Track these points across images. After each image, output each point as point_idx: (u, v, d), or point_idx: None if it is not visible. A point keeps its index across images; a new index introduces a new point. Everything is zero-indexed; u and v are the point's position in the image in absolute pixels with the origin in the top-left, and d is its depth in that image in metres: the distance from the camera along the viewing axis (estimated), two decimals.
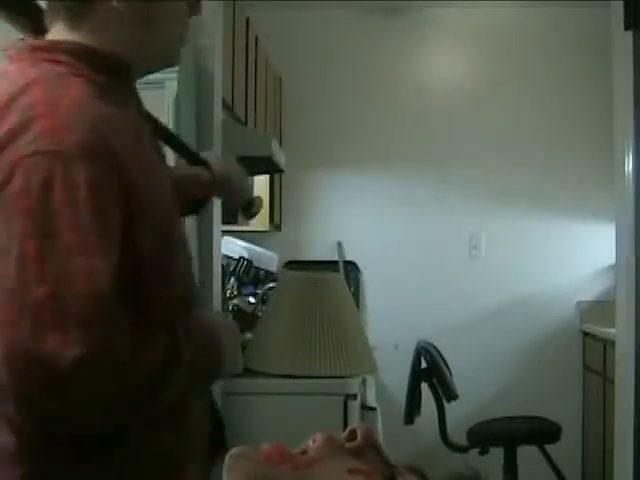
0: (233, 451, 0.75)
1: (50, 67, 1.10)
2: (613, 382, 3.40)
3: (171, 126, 2.34)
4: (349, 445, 0.78)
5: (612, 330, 3.48)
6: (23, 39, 1.19)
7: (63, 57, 1.12)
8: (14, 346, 0.95)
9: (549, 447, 3.77)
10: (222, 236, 2.91)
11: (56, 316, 0.96)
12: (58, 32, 1.17)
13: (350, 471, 0.74)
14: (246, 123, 3.85)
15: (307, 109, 4.81)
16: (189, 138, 2.53)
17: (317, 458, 0.75)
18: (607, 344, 4.01)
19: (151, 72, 1.31)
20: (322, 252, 4.73)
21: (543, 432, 3.77)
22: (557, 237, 4.73)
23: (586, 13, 4.58)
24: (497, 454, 3.72)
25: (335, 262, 4.66)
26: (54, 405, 0.97)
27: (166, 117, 2.34)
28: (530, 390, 4.61)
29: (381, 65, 4.78)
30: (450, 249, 4.76)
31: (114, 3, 1.15)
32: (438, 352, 3.72)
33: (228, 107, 3.41)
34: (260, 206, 1.81)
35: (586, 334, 4.63)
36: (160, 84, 2.35)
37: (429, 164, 4.76)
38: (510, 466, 3.71)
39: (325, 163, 4.85)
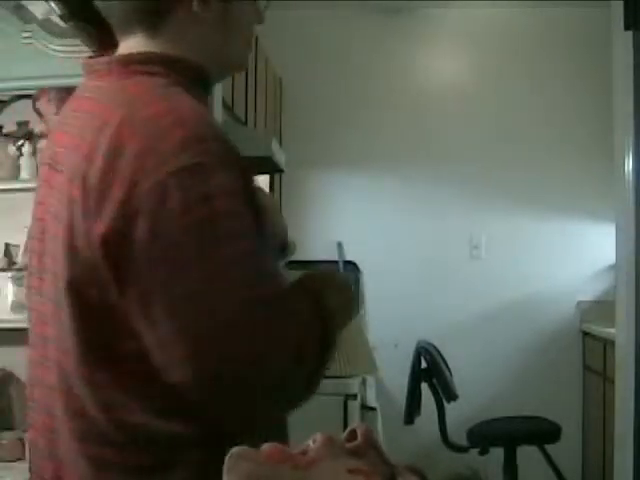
0: (233, 451, 0.75)
1: (146, 79, 1.08)
2: (613, 382, 3.41)
3: None
4: (349, 445, 0.78)
5: (612, 330, 3.48)
6: (99, 54, 1.19)
7: (157, 68, 1.09)
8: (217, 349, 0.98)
9: (549, 447, 3.77)
10: None
11: (260, 315, 0.99)
12: (135, 43, 1.13)
13: (350, 471, 0.74)
14: (246, 123, 3.85)
15: (307, 109, 4.81)
16: None
17: (317, 458, 0.75)
18: (607, 344, 4.01)
19: (223, 78, 1.30)
20: (322, 252, 4.73)
21: (543, 432, 3.77)
22: (557, 237, 4.73)
23: (586, 13, 4.58)
24: (497, 454, 3.72)
25: (335, 262, 4.66)
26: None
27: None
28: (530, 390, 4.61)
29: (381, 65, 4.78)
30: (450, 249, 4.76)
31: (194, 8, 1.12)
32: (438, 352, 3.73)
33: (228, 107, 3.41)
34: (293, 252, 1.68)
35: (586, 334, 4.63)
36: None
37: (429, 164, 4.76)
38: (510, 466, 3.71)
39: (325, 163, 4.85)
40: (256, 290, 1.00)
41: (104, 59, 1.13)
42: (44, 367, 1.10)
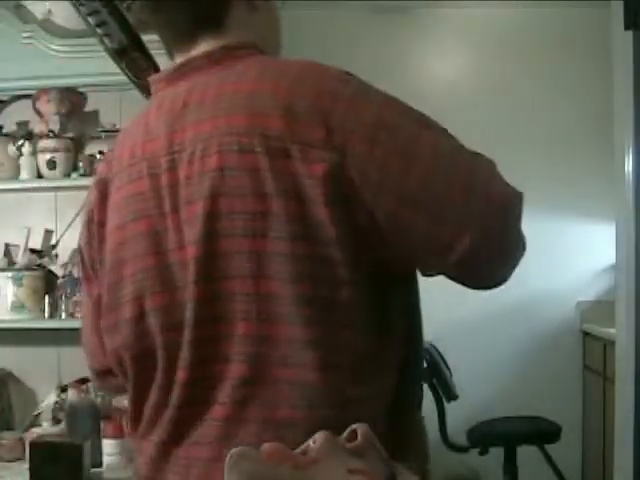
0: (234, 451, 0.75)
1: (254, 60, 1.19)
2: (613, 382, 3.40)
3: None
4: (349, 445, 0.78)
5: (612, 330, 3.48)
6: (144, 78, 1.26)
7: (253, 50, 1.21)
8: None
9: (549, 447, 3.77)
10: None
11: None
12: (207, 46, 1.22)
13: (350, 471, 0.74)
14: None
15: None
16: None
17: (317, 458, 0.75)
18: (607, 344, 4.01)
19: None
20: None
21: (543, 432, 3.77)
22: (557, 237, 4.72)
23: (586, 13, 4.58)
24: (497, 454, 3.72)
25: None
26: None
27: None
28: (530, 390, 4.61)
29: (381, 64, 4.78)
30: None
31: (256, 3, 1.25)
32: (438, 352, 3.72)
33: None
34: None
35: (586, 334, 4.62)
36: None
37: None
38: (510, 466, 3.71)
39: None
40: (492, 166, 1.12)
41: (200, 57, 1.21)
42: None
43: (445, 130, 1.16)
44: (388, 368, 1.14)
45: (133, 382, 1.20)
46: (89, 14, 1.69)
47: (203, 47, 1.21)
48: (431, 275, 1.15)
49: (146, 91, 1.36)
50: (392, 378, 1.14)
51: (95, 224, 1.26)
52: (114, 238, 1.20)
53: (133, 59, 1.49)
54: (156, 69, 1.27)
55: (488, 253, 1.09)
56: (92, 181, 1.33)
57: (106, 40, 1.70)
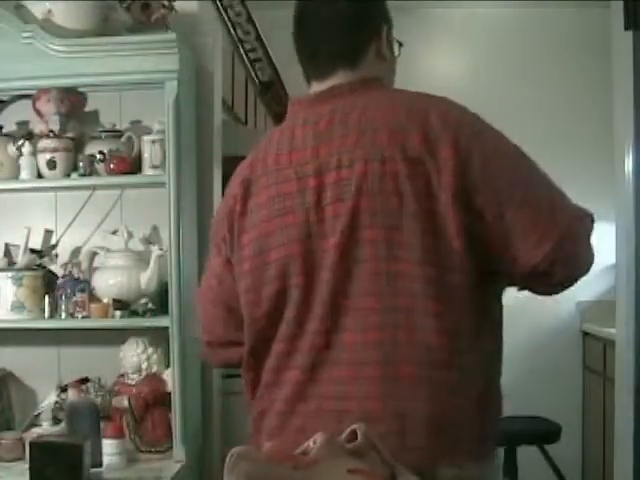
0: (234, 451, 0.75)
1: (386, 92, 1.53)
2: (613, 382, 3.40)
3: (171, 126, 2.34)
4: (349, 445, 0.79)
5: (612, 330, 3.48)
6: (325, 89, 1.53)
7: (381, 84, 1.53)
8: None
9: (549, 447, 3.77)
10: None
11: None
12: (340, 77, 1.51)
13: (350, 471, 0.74)
14: (246, 123, 3.85)
15: None
16: (189, 138, 2.54)
17: (318, 458, 0.75)
18: (607, 344, 4.01)
19: None
20: None
21: (543, 432, 3.77)
22: None
23: (586, 13, 4.58)
24: (497, 454, 3.71)
25: None
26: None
27: (166, 117, 2.34)
28: (530, 390, 4.61)
29: None
30: None
31: (382, 49, 1.55)
32: None
33: (228, 107, 3.41)
34: None
35: (586, 334, 4.62)
36: (160, 84, 2.35)
37: None
38: (510, 466, 3.71)
39: None
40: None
41: (340, 86, 1.51)
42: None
43: (533, 161, 1.45)
44: (488, 348, 1.47)
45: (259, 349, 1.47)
46: (249, 50, 2.04)
47: (340, 78, 1.50)
48: (519, 282, 1.50)
49: (277, 117, 1.58)
50: (490, 358, 1.50)
51: (237, 214, 1.49)
52: (260, 229, 1.45)
53: (277, 90, 1.71)
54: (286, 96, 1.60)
55: (565, 256, 1.36)
56: (233, 179, 1.56)
57: (259, 73, 2.00)
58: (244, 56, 1.99)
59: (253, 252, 1.45)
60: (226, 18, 2.09)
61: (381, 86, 1.52)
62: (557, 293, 1.47)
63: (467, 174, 1.33)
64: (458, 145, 1.34)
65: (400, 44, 1.67)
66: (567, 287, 1.45)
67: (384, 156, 1.36)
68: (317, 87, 1.54)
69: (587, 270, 1.42)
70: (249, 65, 1.96)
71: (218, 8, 2.10)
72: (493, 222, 1.34)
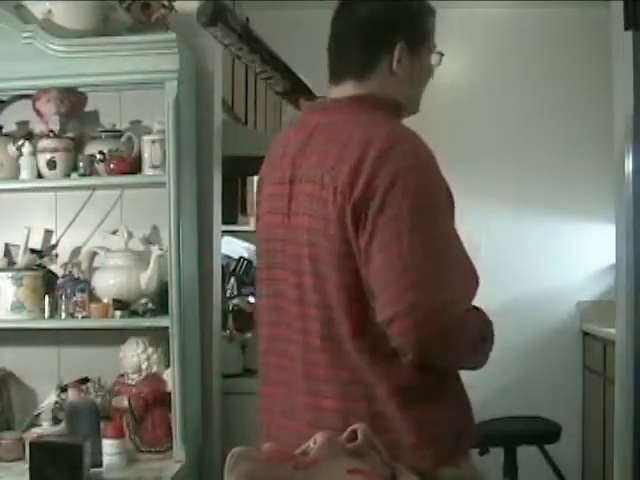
0: (234, 451, 0.75)
1: (370, 113, 1.54)
2: (613, 382, 3.40)
3: (171, 126, 2.34)
4: (349, 446, 0.79)
5: (612, 330, 3.48)
6: (324, 97, 1.66)
7: (376, 105, 1.56)
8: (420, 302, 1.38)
9: (549, 447, 3.77)
10: (222, 236, 2.91)
11: (444, 283, 1.43)
12: (348, 87, 1.59)
13: (350, 471, 0.74)
14: (246, 123, 3.85)
15: None
16: (189, 138, 2.54)
17: (318, 458, 0.75)
18: (607, 344, 4.01)
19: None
20: None
21: (543, 432, 3.77)
22: (557, 237, 4.72)
23: (586, 13, 4.58)
24: (497, 454, 3.72)
25: None
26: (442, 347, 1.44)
27: (166, 117, 2.34)
28: (530, 390, 4.61)
29: None
30: None
31: (393, 67, 1.58)
32: None
33: (228, 107, 3.41)
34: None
35: (586, 334, 4.62)
36: (160, 84, 2.35)
37: None
38: (510, 466, 3.71)
39: None
40: (466, 265, 1.51)
41: (324, 101, 1.64)
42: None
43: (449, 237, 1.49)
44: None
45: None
46: (259, 73, 2.20)
47: (346, 88, 1.59)
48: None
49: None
50: None
51: (256, 204, 1.73)
52: (261, 221, 1.66)
53: (295, 97, 1.95)
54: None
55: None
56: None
57: (274, 87, 2.19)
58: (258, 73, 2.19)
59: (259, 239, 1.67)
60: (230, 53, 2.26)
61: (365, 105, 1.56)
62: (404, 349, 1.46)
63: (367, 212, 1.42)
64: (374, 182, 1.42)
65: (441, 54, 1.74)
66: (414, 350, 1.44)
67: (323, 181, 1.48)
68: (330, 93, 1.65)
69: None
70: (263, 80, 2.17)
71: (226, 40, 2.23)
72: (363, 256, 1.45)
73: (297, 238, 1.52)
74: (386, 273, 1.40)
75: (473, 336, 1.51)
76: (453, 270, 1.46)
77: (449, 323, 1.42)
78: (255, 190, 1.77)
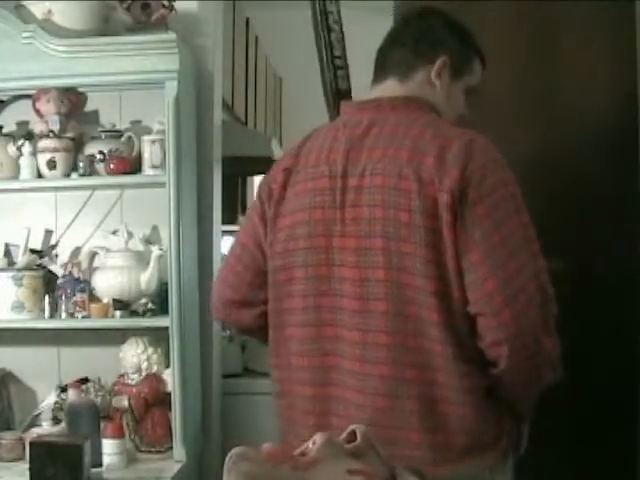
0: (233, 451, 0.75)
1: (429, 113, 1.61)
2: None
3: (171, 126, 2.34)
4: (349, 446, 0.79)
5: None
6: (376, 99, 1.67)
7: (426, 107, 1.62)
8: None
9: None
10: (222, 236, 2.91)
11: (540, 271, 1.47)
12: (391, 85, 1.67)
13: (350, 472, 0.74)
14: (246, 123, 3.86)
15: (307, 109, 4.81)
16: (189, 138, 2.54)
17: (317, 459, 0.75)
18: None
19: None
20: None
21: None
22: None
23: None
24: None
25: None
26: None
27: (166, 117, 2.34)
28: None
29: None
30: None
31: (431, 76, 1.65)
32: None
33: (228, 107, 3.42)
34: None
35: None
36: (160, 84, 2.35)
37: None
38: None
39: None
40: (540, 261, 1.46)
41: (385, 99, 1.64)
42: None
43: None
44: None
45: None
46: (336, 57, 2.30)
47: (388, 88, 1.66)
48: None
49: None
50: None
51: (275, 199, 1.65)
52: (293, 218, 1.61)
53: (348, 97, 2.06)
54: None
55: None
56: (276, 164, 1.73)
57: (339, 81, 2.29)
58: (329, 60, 2.20)
59: (285, 237, 1.62)
60: (324, 23, 2.28)
61: (420, 107, 1.62)
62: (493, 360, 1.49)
63: (463, 202, 1.45)
64: (465, 172, 1.45)
65: (479, 95, 1.77)
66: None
67: (401, 173, 1.48)
68: (371, 93, 1.70)
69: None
70: (332, 70, 2.19)
71: (315, 13, 2.24)
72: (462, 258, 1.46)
73: (358, 231, 1.52)
74: (487, 262, 1.42)
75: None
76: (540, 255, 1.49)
77: (547, 348, 1.46)
78: (263, 190, 1.70)
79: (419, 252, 1.45)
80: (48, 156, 2.45)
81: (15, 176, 2.50)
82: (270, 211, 1.65)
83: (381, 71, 1.70)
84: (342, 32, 2.31)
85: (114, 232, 2.57)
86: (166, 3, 2.45)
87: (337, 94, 2.21)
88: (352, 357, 1.52)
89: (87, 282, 2.45)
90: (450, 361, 1.45)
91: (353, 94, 5.13)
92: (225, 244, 3.34)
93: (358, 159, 1.55)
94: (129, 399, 2.39)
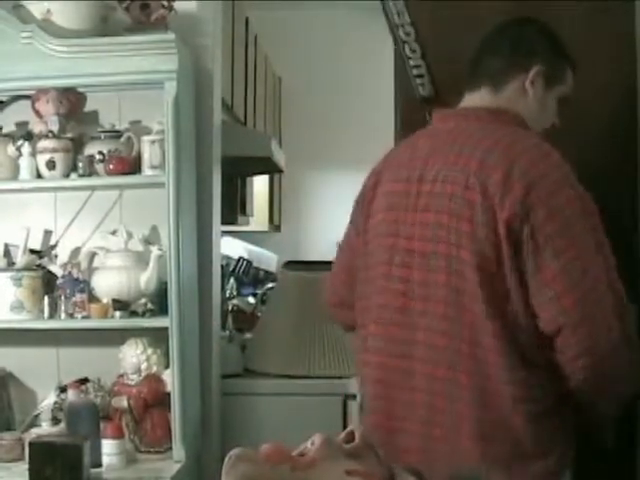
0: (232, 453, 0.75)
1: (511, 125, 1.63)
2: None
3: (170, 126, 2.34)
4: (347, 446, 0.79)
5: None
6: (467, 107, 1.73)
7: (512, 120, 1.65)
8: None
9: None
10: (222, 236, 2.91)
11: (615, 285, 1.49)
12: (480, 97, 1.71)
13: (348, 472, 0.74)
14: (246, 123, 3.86)
15: (307, 109, 4.81)
16: (189, 138, 2.54)
17: (316, 459, 0.75)
18: None
19: None
20: (322, 252, 4.72)
21: None
22: None
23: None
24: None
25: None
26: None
27: (165, 117, 2.34)
28: None
29: (381, 65, 4.78)
30: None
31: (525, 84, 1.69)
32: None
33: (228, 107, 3.42)
34: None
35: None
36: (160, 84, 2.35)
37: None
38: None
39: (325, 163, 4.84)
40: (616, 282, 1.49)
41: (473, 110, 1.69)
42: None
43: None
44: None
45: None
46: (414, 66, 2.28)
47: (481, 99, 1.70)
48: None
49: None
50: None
51: (367, 201, 1.75)
52: (378, 217, 1.70)
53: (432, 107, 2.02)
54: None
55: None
56: (374, 167, 1.83)
57: (420, 89, 2.26)
58: (409, 69, 2.29)
59: (373, 235, 1.71)
60: (398, 36, 2.34)
61: (506, 120, 1.65)
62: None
63: (527, 219, 1.47)
64: (532, 188, 1.48)
65: (568, 103, 1.76)
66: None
67: (468, 183, 1.53)
68: (463, 101, 1.74)
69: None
70: (412, 78, 2.27)
71: (391, 28, 2.28)
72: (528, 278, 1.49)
73: (425, 234, 1.58)
74: (563, 280, 1.45)
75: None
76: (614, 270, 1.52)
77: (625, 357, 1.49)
78: (360, 192, 1.82)
79: (475, 261, 1.49)
80: (47, 156, 2.45)
81: (14, 176, 2.50)
82: (363, 210, 1.76)
83: (474, 79, 1.73)
84: (418, 42, 2.34)
85: (113, 232, 2.56)
86: (165, 3, 2.45)
87: (424, 101, 2.27)
88: (421, 359, 1.58)
89: (86, 282, 2.45)
90: (501, 370, 1.48)
91: (346, 92, 5.12)
92: (225, 244, 3.34)
93: (434, 165, 1.60)
94: (128, 399, 2.39)
